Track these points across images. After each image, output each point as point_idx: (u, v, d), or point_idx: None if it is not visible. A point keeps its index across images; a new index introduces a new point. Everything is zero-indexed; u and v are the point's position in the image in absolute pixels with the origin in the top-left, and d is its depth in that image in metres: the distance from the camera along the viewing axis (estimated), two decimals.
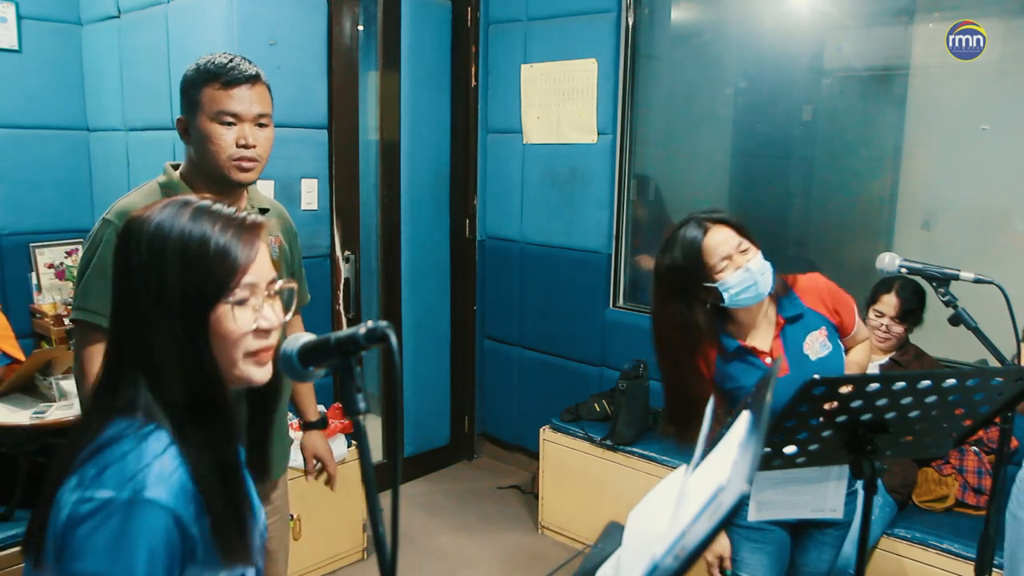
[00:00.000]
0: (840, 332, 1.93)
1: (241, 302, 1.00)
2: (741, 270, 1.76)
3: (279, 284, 1.06)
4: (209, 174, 1.66)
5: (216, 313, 0.99)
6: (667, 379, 1.94)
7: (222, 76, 1.62)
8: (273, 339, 1.05)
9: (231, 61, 1.64)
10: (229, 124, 1.63)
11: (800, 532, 1.98)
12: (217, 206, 1.03)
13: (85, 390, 1.60)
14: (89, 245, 1.63)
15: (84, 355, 1.61)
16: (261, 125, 1.67)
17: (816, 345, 1.86)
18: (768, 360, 1.84)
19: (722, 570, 1.89)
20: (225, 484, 0.99)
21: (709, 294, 1.79)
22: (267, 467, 1.21)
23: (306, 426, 2.10)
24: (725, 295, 1.77)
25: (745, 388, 1.83)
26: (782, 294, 1.88)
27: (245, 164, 1.65)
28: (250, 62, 1.68)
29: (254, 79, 1.65)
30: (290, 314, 1.09)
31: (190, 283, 0.97)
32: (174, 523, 0.92)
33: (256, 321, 1.02)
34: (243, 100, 1.63)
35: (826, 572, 2.03)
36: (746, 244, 1.79)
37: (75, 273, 1.81)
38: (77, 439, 0.99)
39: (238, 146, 1.63)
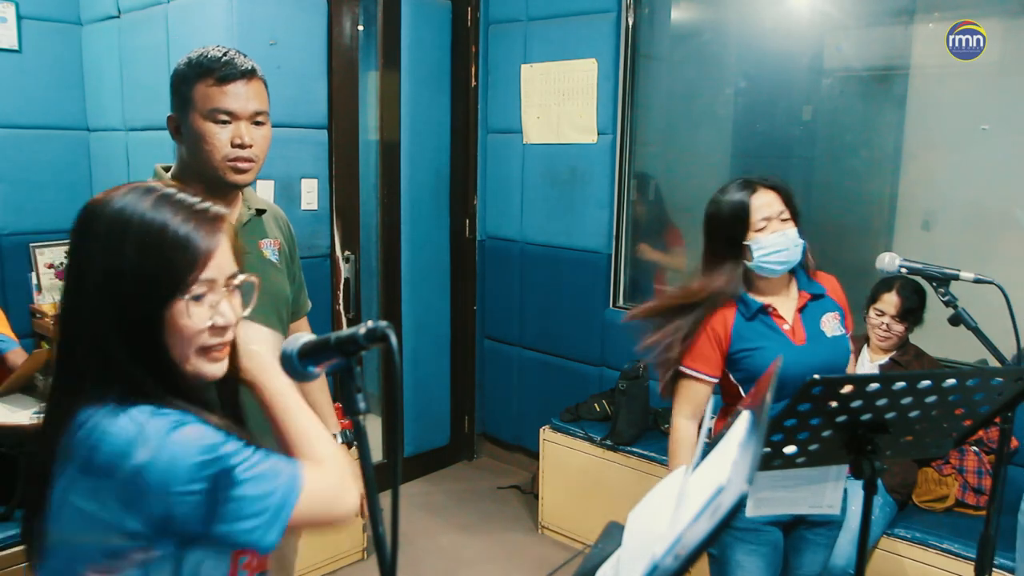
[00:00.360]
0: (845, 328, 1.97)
1: (197, 297, 0.97)
2: (777, 234, 1.82)
3: (239, 278, 1.03)
4: (202, 175, 1.56)
5: (172, 308, 0.96)
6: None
7: (216, 71, 1.51)
8: (229, 336, 1.02)
9: (225, 55, 1.54)
10: (224, 123, 1.53)
11: (792, 532, 1.99)
12: (181, 195, 1.00)
13: None
14: None
15: None
16: (258, 123, 1.57)
17: (832, 325, 1.91)
18: (786, 327, 1.87)
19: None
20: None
21: (741, 252, 1.85)
22: None
23: None
24: (756, 255, 1.82)
25: (760, 350, 1.85)
26: (811, 269, 1.95)
27: (241, 165, 1.55)
28: (245, 56, 1.58)
29: (250, 74, 1.55)
30: (247, 310, 1.05)
31: (147, 273, 0.94)
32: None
33: (212, 318, 0.99)
34: (239, 97, 1.53)
35: (819, 573, 2.04)
36: (788, 214, 1.86)
37: None
38: (45, 436, 0.98)
39: (233, 146, 1.53)
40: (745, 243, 1.83)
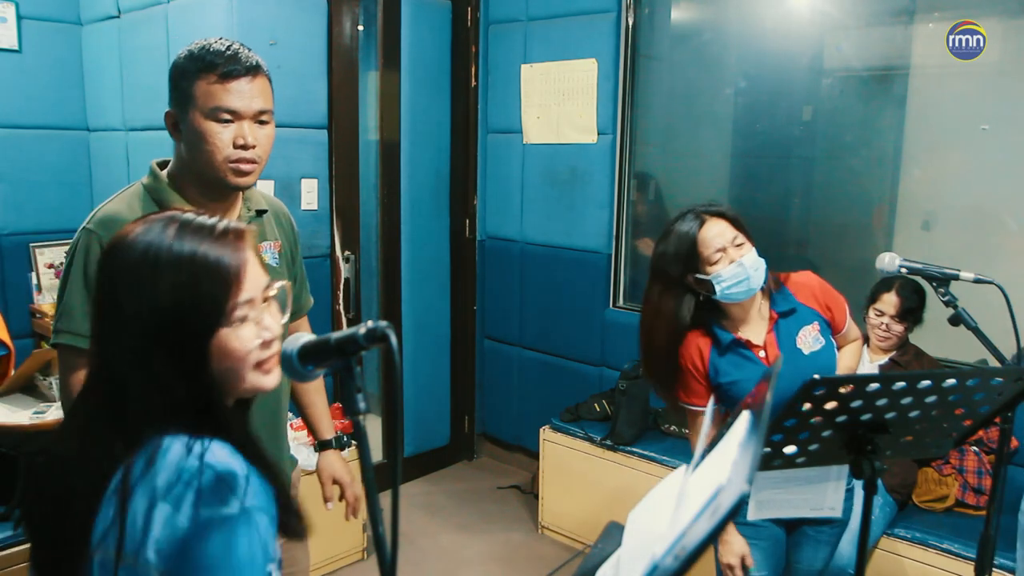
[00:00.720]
0: (832, 329, 1.94)
1: (242, 319, 0.98)
2: (735, 264, 1.78)
3: (274, 289, 1.04)
4: (202, 176, 1.48)
5: (218, 337, 0.96)
6: (647, 363, 1.98)
7: (219, 67, 1.42)
8: (277, 346, 1.03)
9: (229, 48, 1.44)
10: (226, 122, 1.44)
11: (795, 530, 1.99)
12: (199, 220, 1.00)
13: None
14: (70, 257, 1.47)
15: (72, 382, 1.44)
16: (262, 123, 1.49)
17: (809, 339, 1.88)
18: (762, 354, 1.85)
19: (744, 569, 1.87)
20: (267, 471, 1.00)
21: (702, 287, 1.81)
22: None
23: (320, 446, 1.90)
24: (717, 288, 1.79)
25: (738, 382, 1.85)
26: (775, 290, 1.90)
27: (243, 167, 1.47)
28: (250, 50, 1.49)
29: (255, 70, 1.46)
30: (286, 316, 1.06)
31: (186, 309, 0.95)
32: (271, 521, 0.94)
33: (259, 335, 1.00)
34: (243, 95, 1.44)
35: (821, 570, 2.04)
36: (741, 239, 1.81)
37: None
38: (88, 470, 0.96)
39: (236, 146, 1.45)
40: (705, 278, 1.79)
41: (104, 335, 0.99)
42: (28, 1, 3.48)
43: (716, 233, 1.79)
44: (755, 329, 1.88)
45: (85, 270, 1.42)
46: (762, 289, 1.85)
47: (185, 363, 0.96)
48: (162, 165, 1.56)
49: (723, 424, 1.17)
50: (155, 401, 0.95)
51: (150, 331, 0.95)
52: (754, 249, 1.82)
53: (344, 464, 1.90)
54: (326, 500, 1.87)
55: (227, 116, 1.44)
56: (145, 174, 1.57)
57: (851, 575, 2.43)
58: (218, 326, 0.96)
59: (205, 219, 1.01)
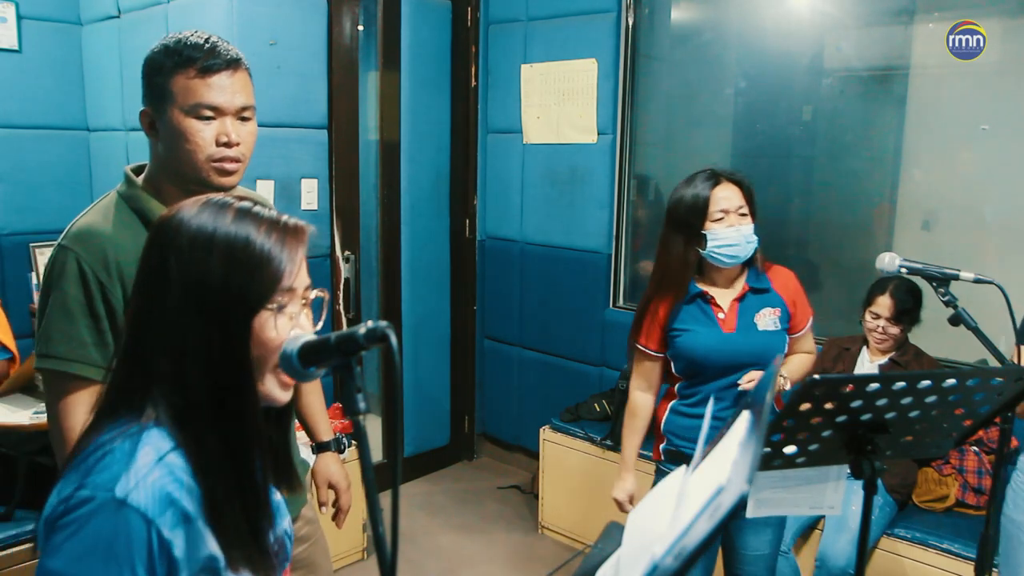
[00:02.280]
0: (790, 325, 2.05)
1: (280, 308, 0.97)
2: (732, 228, 1.91)
3: (314, 293, 1.03)
4: (182, 177, 1.39)
5: (258, 319, 0.95)
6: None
7: (198, 61, 1.34)
8: None
9: (207, 42, 1.36)
10: (208, 119, 1.36)
11: (734, 516, 2.00)
12: (258, 208, 1.00)
13: (65, 449, 1.30)
14: (47, 277, 1.37)
15: (60, 408, 1.34)
16: (244, 119, 1.41)
17: (767, 320, 2.00)
18: (721, 316, 1.98)
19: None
20: (241, 489, 0.96)
21: (696, 240, 1.94)
22: (293, 476, 1.12)
23: (318, 448, 1.86)
24: (709, 244, 1.92)
25: (688, 332, 1.98)
26: (759, 269, 2.03)
27: (227, 166, 1.39)
28: (228, 43, 1.40)
29: (235, 64, 1.38)
30: (320, 323, 1.05)
31: (234, 286, 0.94)
32: (150, 531, 0.88)
33: (293, 330, 0.98)
34: (224, 90, 1.36)
35: (770, 554, 2.05)
36: (746, 210, 1.95)
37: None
38: (80, 440, 0.98)
39: (219, 144, 1.37)
40: (703, 232, 1.93)
41: (139, 313, 0.98)
42: (28, 1, 3.48)
43: (725, 196, 1.93)
44: (724, 295, 2.02)
45: (65, 290, 1.34)
46: (745, 264, 1.99)
47: (225, 341, 0.94)
48: (137, 171, 1.47)
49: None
50: (180, 383, 0.94)
51: (193, 308, 0.94)
52: (753, 225, 1.95)
53: (341, 468, 1.87)
54: (321, 504, 1.86)
55: (208, 113, 1.36)
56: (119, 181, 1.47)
57: (851, 575, 2.43)
58: (261, 305, 0.95)
59: (263, 208, 1.01)
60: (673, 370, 2.06)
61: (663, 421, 2.10)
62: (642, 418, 2.12)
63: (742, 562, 2.07)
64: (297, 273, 0.99)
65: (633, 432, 2.14)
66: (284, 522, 1.09)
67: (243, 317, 0.95)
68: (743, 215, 1.94)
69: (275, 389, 1.00)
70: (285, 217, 1.01)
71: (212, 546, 0.93)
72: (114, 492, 0.88)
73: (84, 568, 0.87)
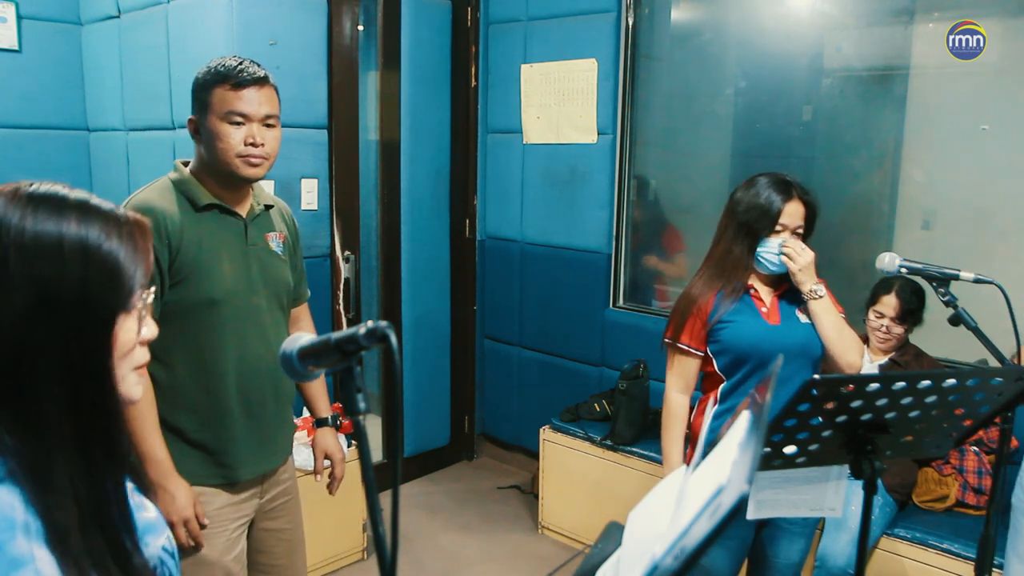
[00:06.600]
0: None
1: (134, 311, 0.87)
2: (781, 243, 1.98)
3: (150, 295, 0.92)
4: (218, 171, 1.73)
5: (118, 323, 0.86)
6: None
7: (232, 78, 1.69)
8: (148, 355, 0.93)
9: (240, 64, 1.72)
10: (238, 123, 1.70)
11: (767, 524, 2.00)
12: (95, 200, 0.90)
13: None
14: None
15: None
16: (269, 125, 1.75)
17: (808, 316, 2.03)
18: (763, 309, 2.01)
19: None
20: (99, 510, 0.84)
21: (749, 237, 2.00)
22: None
23: (317, 423, 2.10)
24: (759, 248, 2.00)
25: (732, 324, 2.00)
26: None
27: (253, 160, 1.72)
28: (259, 65, 1.76)
29: (262, 81, 1.73)
30: (154, 332, 0.95)
31: (95, 293, 0.83)
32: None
33: (142, 332, 0.90)
34: (251, 101, 1.71)
35: (799, 563, 2.05)
36: (803, 230, 2.01)
37: None
38: None
39: (246, 144, 1.70)
40: (757, 235, 1.99)
41: None
42: (28, 1, 3.48)
43: (792, 212, 1.98)
44: (765, 290, 2.06)
45: None
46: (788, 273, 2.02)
47: (85, 347, 0.84)
48: (185, 164, 1.80)
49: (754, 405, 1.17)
50: (23, 396, 0.81)
51: (45, 319, 0.82)
52: (805, 247, 1.99)
53: (336, 441, 2.10)
54: (316, 473, 2.07)
55: (238, 119, 1.70)
56: (148, 174, 1.79)
57: (851, 575, 2.43)
58: (123, 309, 0.86)
59: (100, 202, 0.91)
60: (716, 367, 2.03)
61: (704, 431, 1.99)
62: (683, 420, 2.09)
63: (772, 571, 2.06)
64: (149, 269, 0.91)
65: (678, 438, 2.09)
66: (159, 540, 0.98)
67: (105, 325, 0.85)
68: (797, 233, 2.00)
69: (133, 388, 0.91)
70: (122, 211, 0.91)
71: None
72: None
73: None
